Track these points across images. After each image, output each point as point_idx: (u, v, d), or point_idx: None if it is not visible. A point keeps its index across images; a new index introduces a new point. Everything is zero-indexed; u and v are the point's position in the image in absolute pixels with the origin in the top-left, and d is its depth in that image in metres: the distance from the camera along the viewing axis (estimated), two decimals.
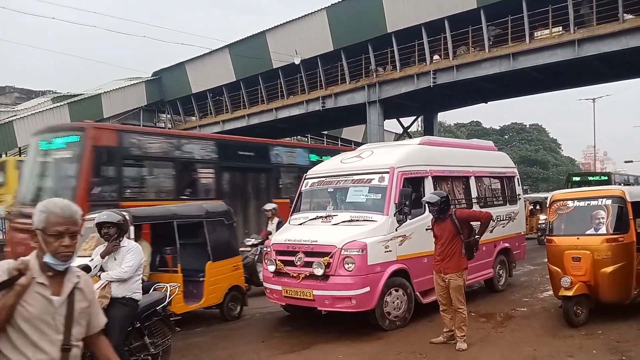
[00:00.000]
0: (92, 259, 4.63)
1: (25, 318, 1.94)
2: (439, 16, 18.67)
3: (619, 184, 22.01)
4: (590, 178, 23.51)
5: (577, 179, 24.25)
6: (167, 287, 5.37)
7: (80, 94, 28.41)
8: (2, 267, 1.96)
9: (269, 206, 9.79)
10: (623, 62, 17.81)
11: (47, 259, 2.00)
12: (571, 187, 21.61)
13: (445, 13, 18.53)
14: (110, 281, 4.54)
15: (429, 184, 7.42)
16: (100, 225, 4.60)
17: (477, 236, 6.02)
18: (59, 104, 26.34)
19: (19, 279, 1.93)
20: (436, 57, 19.85)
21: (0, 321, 1.90)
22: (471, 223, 6.07)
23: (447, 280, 5.82)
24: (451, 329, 5.94)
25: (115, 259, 4.63)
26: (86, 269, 4.49)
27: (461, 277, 5.82)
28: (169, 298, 5.23)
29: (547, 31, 17.41)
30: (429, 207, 6.04)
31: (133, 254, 4.61)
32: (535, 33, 17.77)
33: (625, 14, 15.82)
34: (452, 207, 6.23)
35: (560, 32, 17.22)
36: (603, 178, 23.20)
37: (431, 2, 18.77)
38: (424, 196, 7.27)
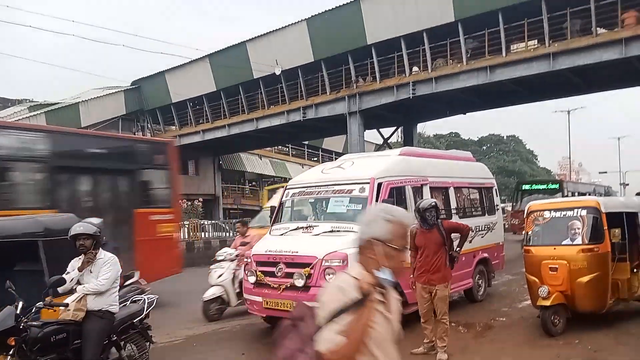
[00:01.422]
0: (69, 272, 4.52)
1: (375, 340, 1.72)
2: (418, 29, 18.92)
3: (571, 193, 21.86)
4: (540, 186, 22.55)
5: (527, 187, 23.01)
6: (144, 299, 5.28)
7: (58, 103, 27.99)
8: (349, 281, 1.72)
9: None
10: (597, 74, 18.28)
11: (384, 274, 1.74)
12: (521, 197, 21.64)
13: (423, 26, 18.79)
14: (87, 294, 4.45)
15: (409, 194, 7.48)
16: (75, 237, 4.49)
17: (457, 249, 6.12)
18: (35, 113, 25.94)
19: (369, 295, 1.70)
20: (415, 68, 20.09)
21: (360, 345, 1.65)
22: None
23: (434, 291, 5.81)
24: (432, 339, 5.98)
25: (91, 272, 4.53)
26: (60, 281, 4.39)
27: (447, 287, 5.88)
28: (146, 310, 5.14)
29: (523, 44, 17.78)
30: (422, 214, 5.89)
31: (110, 266, 4.53)
32: (511, 46, 18.14)
33: (598, 28, 16.25)
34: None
35: (536, 46, 17.60)
36: (553, 186, 22.31)
37: (410, 15, 19.02)
38: (405, 206, 7.34)
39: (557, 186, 22.22)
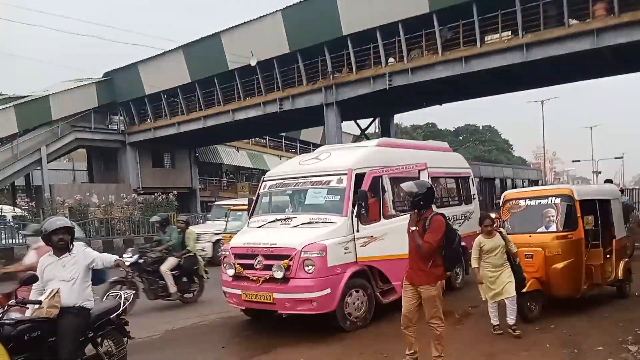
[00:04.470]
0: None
1: None
2: (393, 20, 18.90)
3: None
4: None
5: None
6: (121, 294, 5.18)
7: (27, 96, 27.18)
8: None
9: None
10: (570, 65, 18.57)
11: None
12: None
13: (399, 17, 18.78)
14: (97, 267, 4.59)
15: (387, 184, 7.48)
16: (53, 232, 4.38)
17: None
18: (4, 106, 25.12)
19: None
20: (391, 59, 20.09)
21: None
22: (453, 229, 5.05)
23: (419, 291, 4.93)
24: (415, 350, 5.10)
25: (64, 266, 4.42)
26: (33, 278, 4.26)
27: (433, 287, 4.86)
28: (123, 306, 5.04)
29: (497, 36, 17.93)
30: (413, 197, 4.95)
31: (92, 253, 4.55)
32: (485, 37, 18.27)
33: (570, 19, 16.49)
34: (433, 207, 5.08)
35: (510, 37, 17.78)
36: None
37: (385, 6, 18.98)
38: (382, 197, 7.36)
39: None
